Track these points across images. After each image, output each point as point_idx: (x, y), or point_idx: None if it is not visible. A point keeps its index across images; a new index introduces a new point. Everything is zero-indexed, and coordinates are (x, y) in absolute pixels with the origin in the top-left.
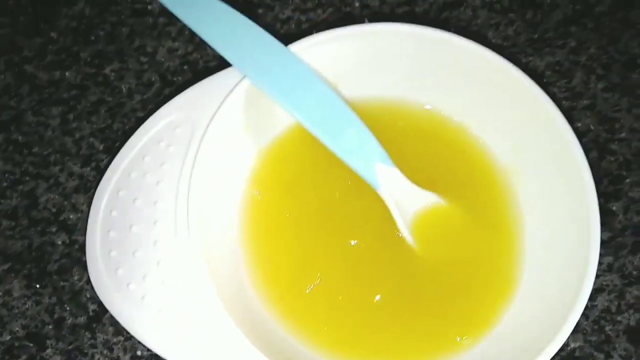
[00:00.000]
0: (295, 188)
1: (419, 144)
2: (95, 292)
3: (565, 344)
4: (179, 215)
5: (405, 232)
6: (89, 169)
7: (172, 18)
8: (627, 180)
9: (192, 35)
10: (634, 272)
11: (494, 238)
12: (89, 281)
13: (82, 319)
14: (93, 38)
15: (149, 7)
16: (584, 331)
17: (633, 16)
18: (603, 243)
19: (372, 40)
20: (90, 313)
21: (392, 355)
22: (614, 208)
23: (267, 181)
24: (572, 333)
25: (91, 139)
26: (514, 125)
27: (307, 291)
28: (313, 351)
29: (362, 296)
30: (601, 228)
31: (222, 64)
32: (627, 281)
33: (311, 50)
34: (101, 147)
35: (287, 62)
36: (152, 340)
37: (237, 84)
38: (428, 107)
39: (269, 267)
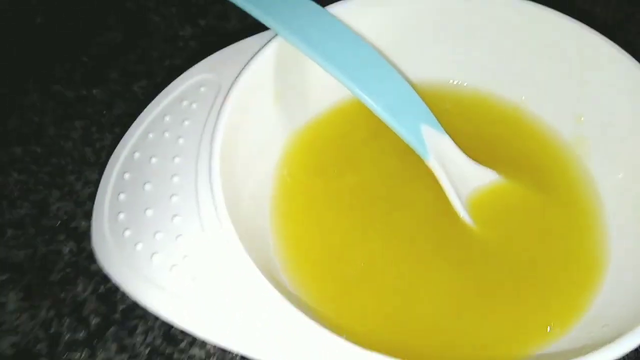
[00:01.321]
0: (330, 171)
1: (470, 124)
2: (98, 302)
3: None
4: (200, 180)
5: (461, 210)
6: None
7: (204, 43)
8: None
9: None
10: None
11: (570, 216)
12: (94, 291)
13: (81, 335)
14: (123, 60)
15: (180, 32)
16: None
17: None
18: None
19: (416, 8)
20: (92, 327)
21: (464, 349)
22: None
23: (298, 163)
24: None
25: (112, 149)
26: (577, 92)
27: (349, 277)
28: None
29: (417, 284)
30: None
31: None
32: None
33: (352, 15)
34: None
35: (320, 18)
36: (160, 304)
37: (270, 40)
38: (477, 87)
39: (304, 253)
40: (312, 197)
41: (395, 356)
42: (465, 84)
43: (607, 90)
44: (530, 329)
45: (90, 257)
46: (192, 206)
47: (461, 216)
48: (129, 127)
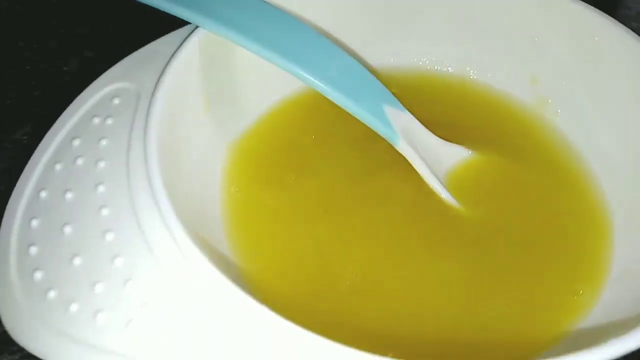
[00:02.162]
0: (285, 180)
1: (424, 105)
2: None
3: None
4: (138, 202)
5: (442, 191)
6: None
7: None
8: None
9: None
10: None
11: (553, 176)
12: None
13: None
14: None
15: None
16: None
17: None
18: None
19: None
20: None
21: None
22: None
23: (246, 176)
24: None
25: None
26: (525, 53)
27: (339, 292)
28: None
29: (422, 281)
30: None
31: None
32: None
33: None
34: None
35: (255, 4)
36: None
37: (188, 36)
38: (422, 68)
39: (284, 281)
40: (271, 212)
41: None
42: (418, 62)
43: (551, 43)
44: (558, 301)
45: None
46: (136, 239)
47: (444, 198)
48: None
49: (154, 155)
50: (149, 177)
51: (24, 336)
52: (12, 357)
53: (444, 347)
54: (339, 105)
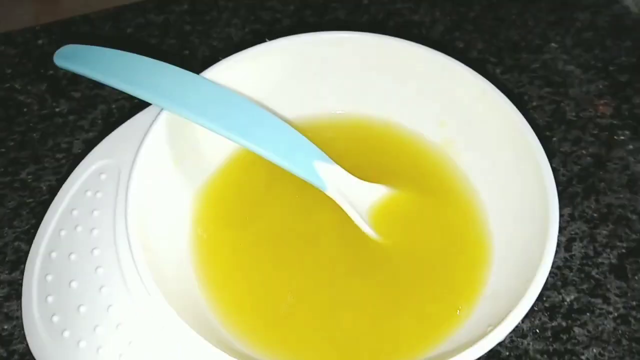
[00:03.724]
0: (241, 220)
1: (353, 147)
2: None
3: (562, 300)
4: (123, 263)
5: (364, 226)
6: (18, 272)
7: (82, 113)
8: (554, 138)
9: (106, 124)
10: (595, 215)
11: (453, 211)
12: None
13: None
14: (4, 150)
15: (57, 109)
16: (574, 282)
17: (502, 14)
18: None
19: (281, 56)
20: None
21: (398, 347)
22: (554, 165)
23: (210, 219)
24: (562, 287)
25: (17, 243)
26: (436, 103)
27: (281, 312)
28: None
29: (342, 301)
30: None
31: None
32: (592, 224)
33: (225, 74)
34: (29, 249)
35: (198, 85)
36: None
37: (157, 115)
38: (350, 114)
39: (237, 306)
40: (230, 248)
41: None
42: (341, 112)
43: (456, 97)
44: (444, 316)
45: (22, 357)
46: (122, 291)
47: (364, 231)
48: (29, 219)
49: (131, 222)
50: (131, 252)
51: None
52: None
53: (358, 350)
54: (276, 164)
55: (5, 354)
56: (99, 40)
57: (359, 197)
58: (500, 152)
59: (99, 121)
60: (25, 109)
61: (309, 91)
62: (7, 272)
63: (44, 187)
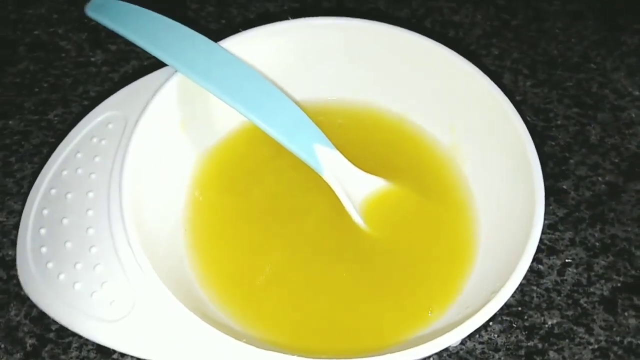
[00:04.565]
0: (238, 189)
1: (361, 136)
2: (32, 324)
3: (542, 322)
4: (112, 210)
5: (355, 215)
6: None
7: (115, 65)
8: (572, 160)
9: (135, 79)
10: (597, 244)
11: (447, 215)
12: (27, 315)
13: (17, 356)
14: (37, 89)
15: (92, 59)
16: (559, 306)
17: (546, 26)
18: (561, 219)
19: (300, 36)
20: (28, 348)
21: (365, 334)
22: (564, 186)
23: (208, 183)
24: (547, 309)
25: (32, 178)
26: (450, 107)
27: (258, 283)
28: (272, 343)
29: (319, 282)
30: (555, 205)
31: None
32: (591, 253)
33: (242, 47)
34: None
35: (214, 52)
36: (83, 327)
37: (169, 77)
38: (365, 102)
39: (217, 266)
40: (223, 213)
41: (292, 352)
42: (355, 101)
43: (471, 103)
44: (414, 314)
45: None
46: (106, 237)
47: (353, 219)
48: (48, 157)
49: (127, 173)
50: (120, 199)
51: (32, 291)
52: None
53: (326, 330)
54: (277, 141)
55: (5, 277)
56: None
57: (355, 186)
58: (502, 165)
59: (129, 75)
60: (63, 54)
61: (324, 75)
62: (20, 203)
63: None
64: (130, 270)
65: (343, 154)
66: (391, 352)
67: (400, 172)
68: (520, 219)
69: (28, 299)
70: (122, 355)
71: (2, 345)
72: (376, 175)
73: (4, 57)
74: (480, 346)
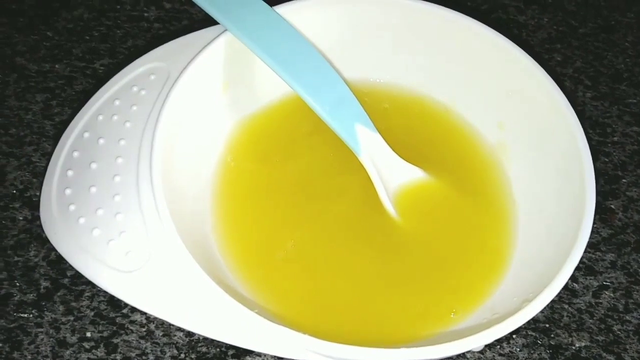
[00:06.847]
0: (271, 160)
1: (405, 123)
2: (49, 267)
3: (570, 343)
4: (142, 161)
5: (387, 202)
6: None
7: (166, 24)
8: (624, 180)
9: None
10: None
11: (485, 216)
12: (45, 258)
13: (31, 296)
14: (88, 37)
15: (146, 14)
16: (590, 330)
17: (616, 38)
18: (604, 240)
19: (358, 8)
20: (42, 290)
21: (380, 325)
22: (612, 206)
23: (242, 150)
24: (576, 330)
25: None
26: (500, 102)
27: (278, 257)
28: (282, 318)
29: (340, 266)
30: (600, 224)
31: None
32: (632, 279)
33: (297, 14)
34: None
35: (267, 16)
36: (96, 274)
37: (218, 36)
38: (414, 89)
39: (239, 234)
40: (253, 182)
41: (307, 332)
42: (406, 86)
43: (525, 102)
44: (436, 314)
45: None
46: (132, 186)
47: (385, 207)
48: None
49: (162, 127)
50: (151, 150)
51: (51, 232)
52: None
53: (339, 314)
54: (318, 115)
55: (30, 217)
56: None
57: (391, 173)
58: (551, 174)
59: (180, 35)
60: (118, 6)
61: (375, 56)
62: (54, 146)
63: None
64: (150, 224)
65: (385, 138)
66: (407, 347)
67: (441, 166)
68: (564, 234)
69: (48, 241)
70: (132, 311)
71: (18, 284)
72: (415, 165)
73: (60, 1)
74: (500, 358)
